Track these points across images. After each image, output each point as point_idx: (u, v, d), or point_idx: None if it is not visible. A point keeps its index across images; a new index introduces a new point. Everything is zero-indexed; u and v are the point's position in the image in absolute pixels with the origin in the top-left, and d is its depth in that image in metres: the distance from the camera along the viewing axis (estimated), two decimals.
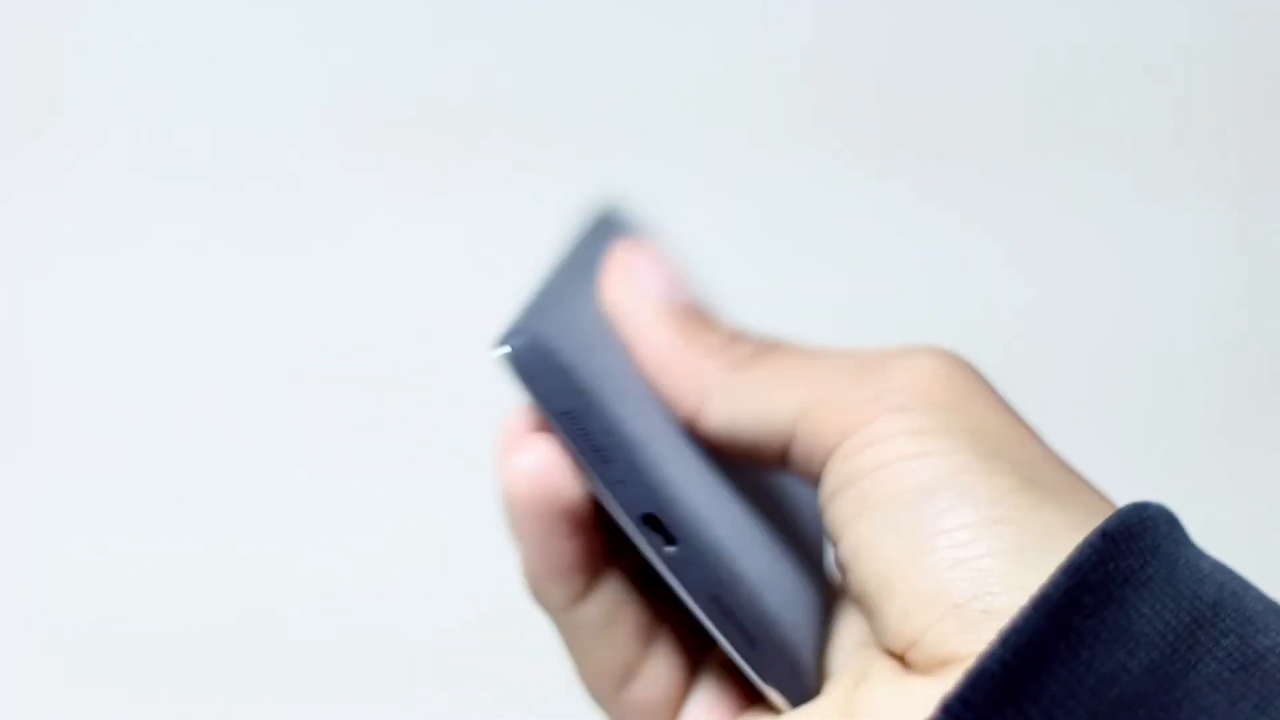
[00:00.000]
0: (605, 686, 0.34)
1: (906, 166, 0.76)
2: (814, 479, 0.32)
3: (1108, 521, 0.28)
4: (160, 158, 0.72)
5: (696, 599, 0.33)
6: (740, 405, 0.33)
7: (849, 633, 0.34)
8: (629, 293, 0.34)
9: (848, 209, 0.76)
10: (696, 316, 0.34)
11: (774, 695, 0.33)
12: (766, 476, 0.37)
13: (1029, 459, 0.30)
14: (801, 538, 0.37)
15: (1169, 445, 0.75)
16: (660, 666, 0.34)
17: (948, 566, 0.28)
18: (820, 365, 0.32)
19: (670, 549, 0.32)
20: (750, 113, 0.76)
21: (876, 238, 0.76)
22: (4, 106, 0.72)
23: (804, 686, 0.33)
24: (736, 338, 0.34)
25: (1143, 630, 0.27)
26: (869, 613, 0.30)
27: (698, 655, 0.35)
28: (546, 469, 0.32)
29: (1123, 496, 0.31)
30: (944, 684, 0.27)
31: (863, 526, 0.30)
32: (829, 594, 0.36)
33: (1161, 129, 0.78)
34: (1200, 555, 0.29)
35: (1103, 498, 0.30)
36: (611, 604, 0.33)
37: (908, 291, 0.75)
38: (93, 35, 0.73)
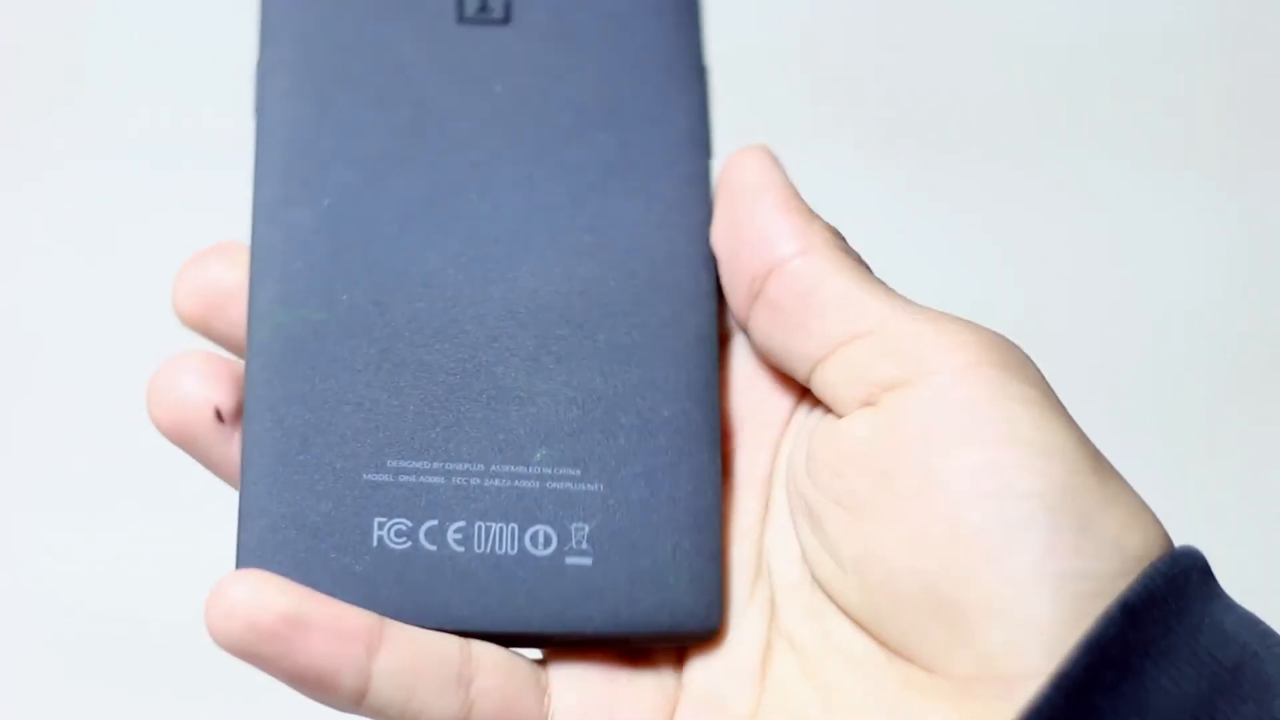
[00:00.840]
0: None
1: (904, 153, 0.76)
2: (845, 394, 0.30)
3: (1131, 589, 0.27)
4: (161, 145, 0.72)
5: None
6: (841, 280, 0.31)
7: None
8: (765, 159, 0.33)
9: (844, 195, 0.76)
10: (811, 209, 0.33)
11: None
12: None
13: (1106, 468, 0.29)
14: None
15: (1171, 432, 0.75)
16: (490, 681, 0.30)
17: (1073, 613, 0.27)
18: (916, 303, 0.31)
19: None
20: (744, 96, 0.76)
21: (873, 224, 0.75)
22: (9, 95, 0.72)
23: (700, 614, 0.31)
24: (843, 238, 0.33)
25: (1162, 703, 0.27)
26: (910, 610, 0.29)
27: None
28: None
29: (1128, 476, 0.30)
30: None
31: (947, 506, 0.28)
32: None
33: (1161, 113, 0.78)
34: (1227, 609, 0.28)
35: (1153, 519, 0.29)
36: (405, 665, 0.29)
37: (905, 277, 0.75)
38: (101, 22, 0.73)
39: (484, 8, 0.35)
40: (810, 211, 0.32)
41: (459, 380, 0.32)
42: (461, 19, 0.35)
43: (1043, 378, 0.30)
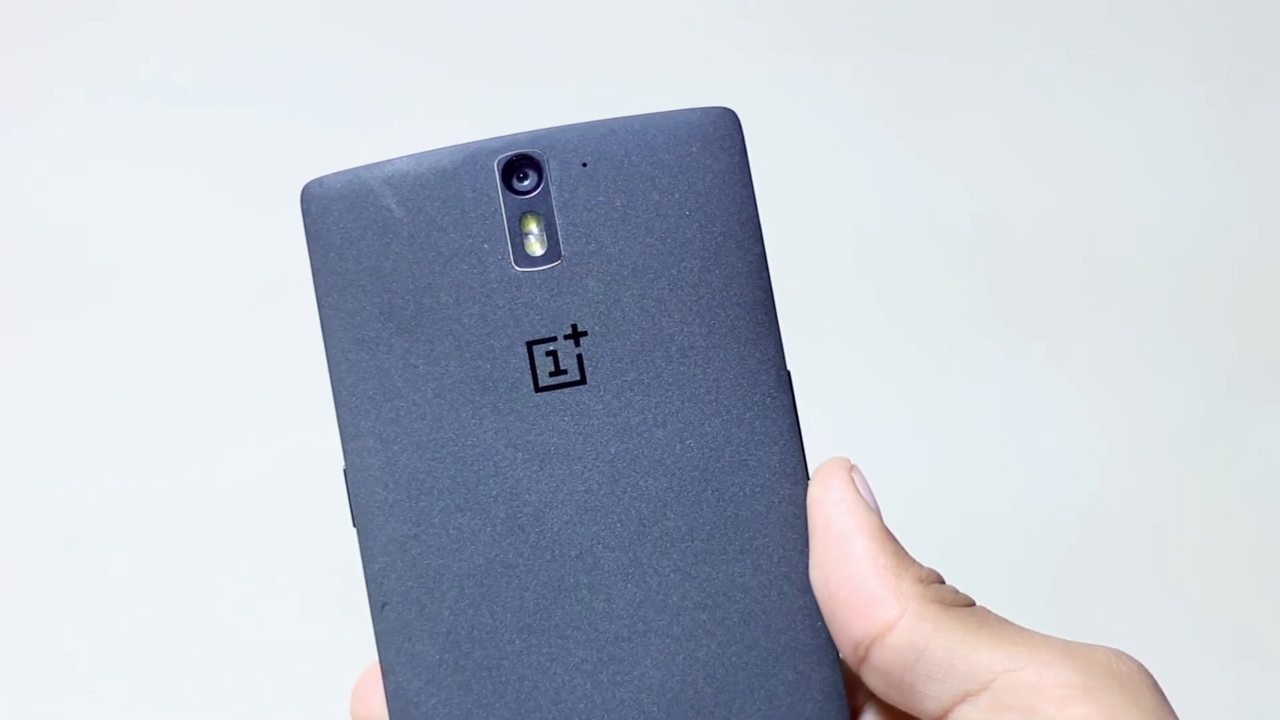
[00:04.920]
0: None
1: (894, 81, 0.76)
2: None
3: None
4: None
5: None
6: (944, 638, 0.32)
7: None
8: (848, 495, 0.34)
9: (832, 122, 0.75)
10: (900, 545, 0.34)
11: None
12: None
13: None
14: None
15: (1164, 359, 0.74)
16: None
17: None
18: (1026, 632, 0.32)
19: None
20: (721, 25, 0.75)
21: (863, 154, 0.75)
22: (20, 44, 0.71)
23: None
24: (939, 578, 0.34)
25: None
26: None
27: None
28: None
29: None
30: None
31: None
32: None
33: (1156, 31, 0.77)
34: None
35: None
36: None
37: (898, 210, 0.75)
38: None
39: (558, 370, 0.34)
40: (901, 557, 0.33)
41: None
42: (538, 389, 0.34)
43: (1160, 704, 0.31)
